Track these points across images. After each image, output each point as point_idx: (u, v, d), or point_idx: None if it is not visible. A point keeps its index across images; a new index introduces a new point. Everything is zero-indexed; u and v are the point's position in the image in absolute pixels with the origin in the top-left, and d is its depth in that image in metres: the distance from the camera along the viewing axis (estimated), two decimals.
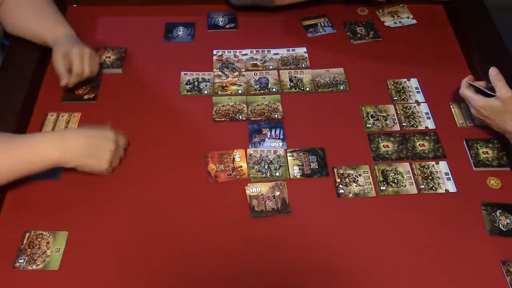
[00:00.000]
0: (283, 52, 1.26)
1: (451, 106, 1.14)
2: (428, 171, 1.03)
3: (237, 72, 1.21)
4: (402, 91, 1.18)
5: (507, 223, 0.95)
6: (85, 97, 1.13)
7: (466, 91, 1.05)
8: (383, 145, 1.07)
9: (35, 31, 1.13)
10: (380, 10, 1.38)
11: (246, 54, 1.25)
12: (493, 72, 1.02)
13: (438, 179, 1.02)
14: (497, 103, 0.99)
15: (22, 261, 0.88)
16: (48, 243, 0.90)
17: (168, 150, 1.05)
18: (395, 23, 1.35)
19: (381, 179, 1.01)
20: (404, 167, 1.04)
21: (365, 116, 1.13)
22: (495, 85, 1.00)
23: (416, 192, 1.00)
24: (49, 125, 1.07)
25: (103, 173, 0.98)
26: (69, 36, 1.11)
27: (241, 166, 1.02)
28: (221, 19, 1.34)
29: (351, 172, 1.02)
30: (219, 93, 1.16)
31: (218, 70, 1.21)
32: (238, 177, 1.01)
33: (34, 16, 1.14)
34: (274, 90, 1.17)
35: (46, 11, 1.15)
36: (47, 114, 1.09)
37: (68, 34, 1.12)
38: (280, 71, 1.22)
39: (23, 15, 1.14)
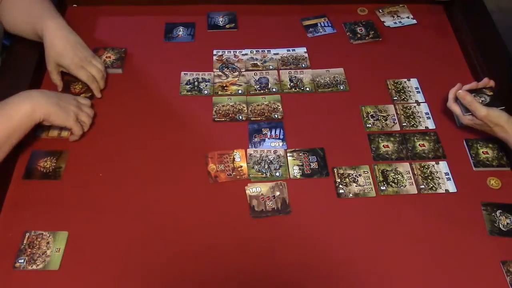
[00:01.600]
0: (283, 52, 1.26)
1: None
2: (428, 171, 1.03)
3: (237, 72, 1.21)
4: (402, 91, 1.18)
5: (507, 223, 0.95)
6: (82, 95, 1.13)
7: (453, 107, 1.06)
8: (383, 145, 1.07)
9: (26, 27, 1.13)
10: (380, 10, 1.38)
11: (246, 54, 1.25)
12: (466, 97, 1.02)
13: (438, 179, 1.02)
14: (479, 121, 1.01)
15: (22, 261, 0.88)
16: (48, 243, 0.90)
17: (168, 150, 1.05)
18: (395, 23, 1.35)
19: (381, 179, 1.02)
20: (404, 167, 1.04)
21: (365, 116, 1.13)
22: (471, 109, 1.01)
23: (416, 192, 1.00)
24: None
25: (73, 128, 1.01)
26: (59, 29, 1.10)
27: (241, 166, 1.02)
28: (221, 19, 1.34)
29: (351, 172, 1.02)
30: (219, 93, 1.16)
31: (218, 70, 1.21)
32: (238, 177, 1.01)
33: (24, 10, 1.13)
34: (274, 90, 1.17)
35: (35, 5, 1.13)
36: None
37: (57, 26, 1.10)
38: (280, 71, 1.22)
39: (14, 10, 1.13)
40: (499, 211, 0.97)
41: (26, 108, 0.94)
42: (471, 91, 1.04)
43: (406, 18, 1.36)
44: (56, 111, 0.97)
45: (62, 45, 1.09)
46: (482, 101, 1.02)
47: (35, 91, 1.01)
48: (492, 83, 1.06)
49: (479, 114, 1.00)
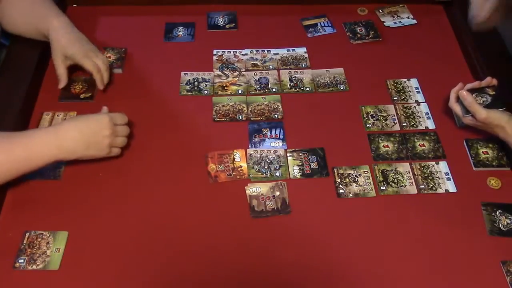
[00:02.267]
0: (283, 52, 1.26)
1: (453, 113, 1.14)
2: (428, 171, 1.03)
3: (237, 72, 1.21)
4: (402, 91, 1.18)
5: (507, 223, 0.95)
6: (82, 96, 1.13)
7: (454, 107, 1.06)
8: (383, 145, 1.07)
9: (28, 27, 1.13)
10: (380, 10, 1.38)
11: (246, 54, 1.25)
12: (466, 98, 1.02)
13: (438, 179, 1.02)
14: (480, 123, 1.02)
15: (22, 261, 0.88)
16: (48, 243, 0.90)
17: (168, 150, 1.05)
18: (395, 23, 1.35)
19: (381, 179, 1.01)
20: (404, 167, 1.04)
21: (365, 116, 1.13)
22: (471, 110, 1.02)
23: (416, 192, 1.00)
24: (45, 124, 1.07)
25: (112, 155, 0.99)
26: (64, 27, 1.10)
27: (241, 166, 1.02)
28: (221, 19, 1.34)
29: (351, 172, 1.02)
30: (219, 93, 1.16)
31: (218, 70, 1.21)
32: (238, 177, 1.01)
33: (25, 11, 1.13)
34: (274, 90, 1.17)
35: (38, 4, 1.13)
36: (42, 114, 1.09)
37: (61, 24, 1.10)
38: (280, 71, 1.22)
39: (14, 11, 1.13)
40: (499, 211, 0.97)
41: (52, 155, 0.91)
42: (473, 90, 1.04)
43: (406, 18, 1.36)
44: (84, 155, 0.95)
45: (68, 39, 1.09)
46: (484, 101, 1.02)
47: (64, 130, 0.93)
48: (494, 81, 1.06)
49: (479, 117, 1.00)
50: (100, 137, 0.96)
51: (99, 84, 1.13)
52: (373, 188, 1.00)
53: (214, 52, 1.25)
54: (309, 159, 1.04)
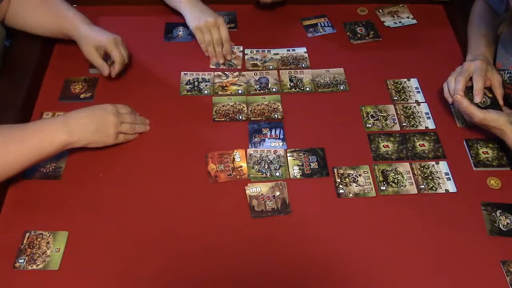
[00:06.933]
0: (283, 52, 1.26)
1: (451, 106, 1.14)
2: (428, 171, 1.03)
3: (237, 72, 1.21)
4: (402, 91, 1.18)
5: (507, 223, 0.95)
6: (82, 96, 1.13)
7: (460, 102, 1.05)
8: (383, 145, 1.07)
9: (52, 26, 1.15)
10: (380, 10, 1.38)
11: (246, 54, 1.25)
12: (462, 102, 1.01)
13: (438, 179, 1.02)
14: (479, 124, 1.02)
15: (22, 261, 0.88)
16: (48, 243, 0.90)
17: (168, 150, 1.05)
18: (395, 23, 1.35)
19: (381, 179, 1.01)
20: (404, 167, 1.04)
21: (365, 116, 1.13)
22: (468, 113, 1.01)
23: (416, 192, 1.00)
24: None
25: (119, 141, 1.02)
26: (86, 24, 1.13)
27: (241, 166, 1.02)
28: None
29: (351, 172, 1.02)
30: (219, 93, 1.16)
31: (214, 66, 1.21)
32: (238, 177, 1.01)
33: (47, 11, 1.14)
34: (274, 90, 1.17)
35: (56, 4, 1.15)
36: (42, 114, 1.09)
37: (84, 22, 1.14)
38: (280, 71, 1.22)
39: (34, 12, 1.14)
40: (499, 211, 0.97)
41: (62, 140, 0.93)
42: (470, 88, 1.03)
43: (406, 18, 1.36)
44: (93, 140, 0.98)
45: (95, 32, 1.13)
46: (484, 101, 1.02)
47: (72, 117, 0.96)
48: (489, 82, 1.06)
49: (475, 119, 1.00)
50: (106, 124, 0.99)
51: (112, 72, 1.14)
52: (373, 188, 1.00)
53: None
54: (309, 159, 1.04)
